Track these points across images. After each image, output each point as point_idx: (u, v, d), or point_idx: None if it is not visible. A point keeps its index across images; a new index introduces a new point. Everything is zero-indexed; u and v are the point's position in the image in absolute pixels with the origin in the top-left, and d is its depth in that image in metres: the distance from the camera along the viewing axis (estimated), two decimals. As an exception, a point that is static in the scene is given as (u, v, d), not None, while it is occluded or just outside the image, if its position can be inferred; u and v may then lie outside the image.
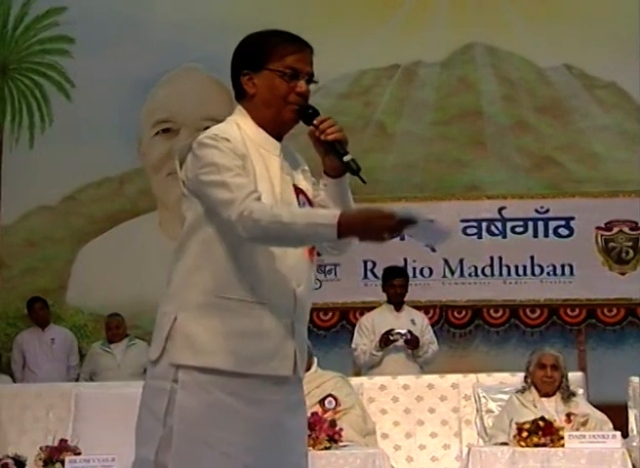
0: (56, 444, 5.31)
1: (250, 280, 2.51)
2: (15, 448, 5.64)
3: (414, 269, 8.80)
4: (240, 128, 2.60)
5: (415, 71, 9.32)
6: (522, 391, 5.59)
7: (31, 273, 9.45)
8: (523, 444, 5.08)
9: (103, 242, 9.45)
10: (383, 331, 6.76)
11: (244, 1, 9.19)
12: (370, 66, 9.26)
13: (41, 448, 5.28)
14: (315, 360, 5.80)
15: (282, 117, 2.61)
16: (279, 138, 2.65)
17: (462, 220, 8.89)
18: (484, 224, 8.92)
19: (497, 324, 8.82)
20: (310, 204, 2.66)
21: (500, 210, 8.93)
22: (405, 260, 8.78)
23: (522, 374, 5.71)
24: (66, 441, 5.35)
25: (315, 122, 2.57)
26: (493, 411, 5.77)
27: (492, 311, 8.83)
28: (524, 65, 9.27)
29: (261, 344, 2.50)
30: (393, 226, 2.35)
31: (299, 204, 2.61)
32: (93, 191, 9.52)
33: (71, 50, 9.57)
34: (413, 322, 6.94)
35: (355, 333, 7.03)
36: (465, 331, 8.86)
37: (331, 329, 8.87)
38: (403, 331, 6.74)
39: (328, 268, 8.84)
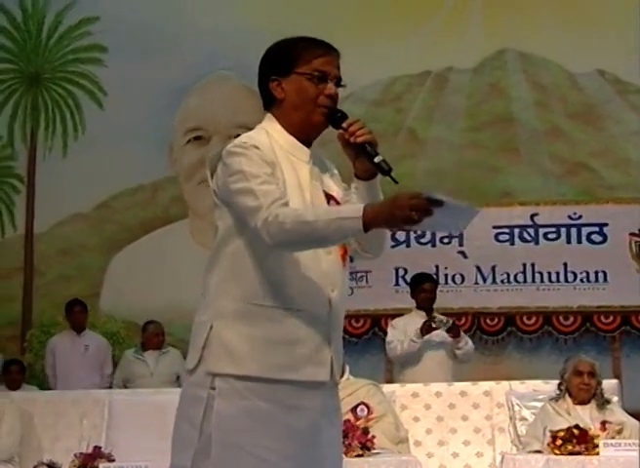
0: (90, 450, 5.34)
1: (283, 287, 2.51)
2: (49, 455, 5.67)
3: (445, 276, 8.77)
4: (269, 135, 2.60)
5: (446, 78, 9.30)
6: (556, 399, 5.54)
7: (65, 280, 9.52)
8: (557, 452, 5.04)
9: (136, 249, 9.50)
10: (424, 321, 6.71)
11: (275, 9, 9.21)
12: (401, 73, 9.25)
13: (75, 455, 5.31)
14: (347, 367, 5.79)
15: (311, 120, 2.61)
16: (308, 144, 2.65)
17: (495, 227, 8.86)
18: (516, 231, 8.88)
19: (530, 331, 8.77)
20: None
21: (532, 216, 8.88)
22: (437, 267, 8.76)
23: (556, 382, 5.66)
24: (100, 448, 5.37)
25: (344, 125, 2.56)
26: (526, 419, 5.73)
27: (525, 318, 8.78)
28: (556, 71, 9.23)
29: (297, 350, 2.50)
30: (420, 205, 2.30)
31: None
32: (126, 199, 9.58)
33: (104, 59, 9.65)
34: None
35: (389, 331, 6.96)
36: (498, 338, 8.81)
37: (362, 336, 8.85)
38: (445, 319, 6.72)
39: (359, 275, 8.82)
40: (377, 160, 2.52)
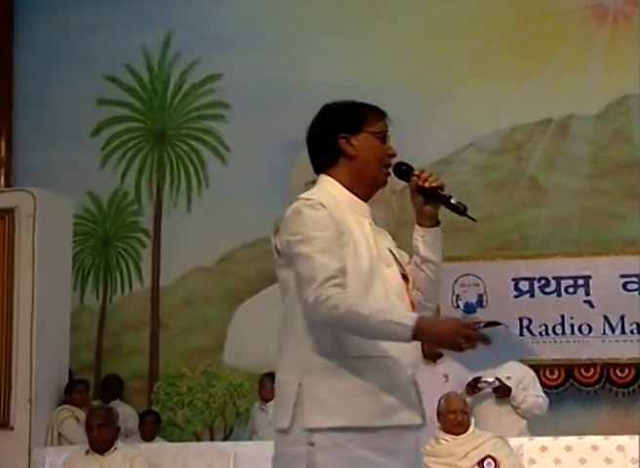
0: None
1: None
2: (177, 506, 5.74)
3: (572, 326, 8.59)
4: (332, 193, 2.71)
5: (568, 125, 9.18)
6: (694, 454, 5.33)
7: (189, 333, 9.66)
8: (697, 510, 4.84)
9: (258, 301, 9.58)
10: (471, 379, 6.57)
11: (395, 61, 9.23)
12: (522, 121, 9.16)
13: (203, 507, 5.35)
14: (472, 420, 5.70)
15: (378, 178, 2.75)
16: (366, 201, 2.77)
17: (622, 276, 8.64)
18: (645, 279, 8.64)
19: (662, 382, 8.49)
20: (398, 263, 2.75)
21: (661, 264, 8.64)
22: (562, 317, 8.58)
23: (693, 436, 5.45)
24: (227, 500, 5.40)
25: (416, 172, 2.74)
26: (663, 475, 5.52)
27: (657, 369, 8.51)
28: (682, 115, 9.01)
29: (388, 397, 2.56)
30: (472, 338, 2.45)
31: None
32: (247, 252, 9.69)
33: (226, 115, 9.86)
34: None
35: None
36: (629, 390, 8.55)
37: (487, 388, 8.69)
38: (490, 380, 6.58)
39: (482, 326, 8.70)
40: (453, 201, 2.70)
